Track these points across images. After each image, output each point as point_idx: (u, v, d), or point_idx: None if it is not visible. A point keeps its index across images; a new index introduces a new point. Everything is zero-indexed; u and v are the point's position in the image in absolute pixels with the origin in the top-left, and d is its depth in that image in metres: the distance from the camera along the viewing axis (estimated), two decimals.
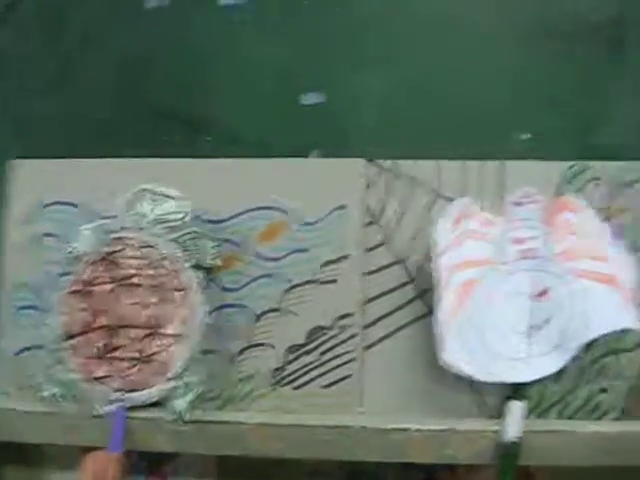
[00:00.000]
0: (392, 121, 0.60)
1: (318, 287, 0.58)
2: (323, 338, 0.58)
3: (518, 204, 0.52)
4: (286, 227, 0.58)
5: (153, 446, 0.57)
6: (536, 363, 0.51)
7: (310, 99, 0.60)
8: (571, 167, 0.57)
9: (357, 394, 0.58)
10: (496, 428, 0.55)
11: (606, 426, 0.56)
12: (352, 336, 0.58)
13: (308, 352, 0.58)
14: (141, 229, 0.56)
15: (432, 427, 0.55)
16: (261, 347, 0.58)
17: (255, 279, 0.58)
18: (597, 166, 0.57)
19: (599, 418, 0.58)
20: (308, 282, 0.58)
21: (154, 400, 0.56)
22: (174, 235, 0.57)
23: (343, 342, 0.58)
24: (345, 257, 0.58)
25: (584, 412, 0.58)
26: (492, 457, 0.55)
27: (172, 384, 0.55)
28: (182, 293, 0.56)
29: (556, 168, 0.57)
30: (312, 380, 0.58)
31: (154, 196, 0.57)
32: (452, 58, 0.59)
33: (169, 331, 0.55)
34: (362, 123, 0.60)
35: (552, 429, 0.55)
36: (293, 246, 0.58)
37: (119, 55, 0.61)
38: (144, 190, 0.57)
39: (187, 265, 0.56)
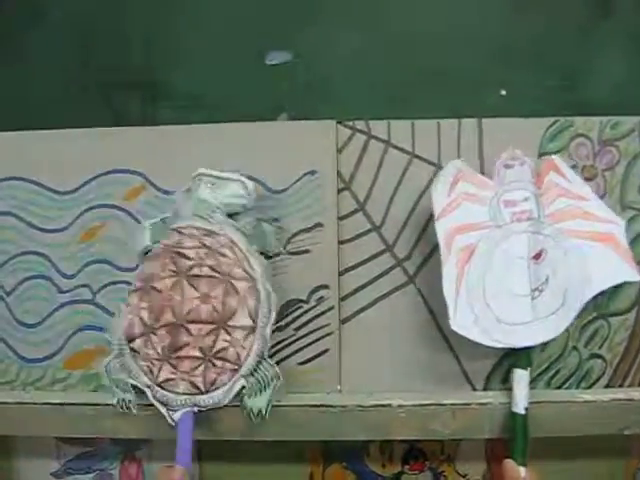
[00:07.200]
0: (364, 80, 0.56)
1: (290, 259, 0.55)
2: (297, 312, 0.55)
3: (507, 166, 0.51)
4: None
5: (123, 432, 0.55)
6: (542, 325, 0.50)
7: (276, 58, 0.57)
8: (553, 124, 0.55)
9: (335, 370, 0.56)
10: (483, 401, 0.53)
11: (598, 394, 0.54)
12: (329, 309, 0.55)
13: (281, 328, 0.55)
14: (201, 217, 0.52)
15: (415, 402, 0.53)
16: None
17: None
18: (580, 122, 0.55)
19: (589, 386, 0.56)
20: (279, 253, 0.55)
21: (225, 402, 0.50)
22: (236, 221, 0.52)
23: (319, 316, 0.55)
24: (318, 226, 0.55)
25: (573, 380, 0.56)
26: (478, 430, 0.53)
27: (244, 382, 0.50)
28: (248, 283, 0.51)
29: (537, 125, 0.55)
30: (287, 357, 0.55)
31: (213, 180, 0.52)
32: (426, 13, 0.56)
33: (236, 324, 0.50)
34: (332, 83, 0.56)
35: (545, 400, 0.53)
36: (261, 215, 0.55)
37: (70, 21, 0.58)
38: (200, 175, 0.52)
39: (252, 252, 0.51)
